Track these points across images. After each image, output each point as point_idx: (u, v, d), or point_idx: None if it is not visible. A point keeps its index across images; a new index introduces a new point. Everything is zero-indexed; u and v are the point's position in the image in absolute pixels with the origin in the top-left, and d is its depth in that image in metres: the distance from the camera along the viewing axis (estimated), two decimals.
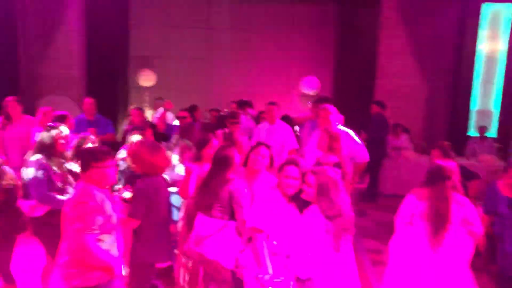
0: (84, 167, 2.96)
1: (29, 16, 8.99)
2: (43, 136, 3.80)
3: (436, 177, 3.55)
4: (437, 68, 9.37)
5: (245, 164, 3.83)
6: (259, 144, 3.96)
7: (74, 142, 4.18)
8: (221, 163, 3.47)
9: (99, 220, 2.83)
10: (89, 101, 6.49)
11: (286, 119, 6.49)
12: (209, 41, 10.28)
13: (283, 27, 10.29)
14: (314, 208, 3.09)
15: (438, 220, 3.41)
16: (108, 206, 2.92)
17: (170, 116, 7.59)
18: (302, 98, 9.66)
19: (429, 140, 9.11)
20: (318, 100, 6.01)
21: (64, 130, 3.87)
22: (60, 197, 3.67)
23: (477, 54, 9.32)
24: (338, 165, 4.06)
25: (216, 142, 4.18)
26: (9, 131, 5.75)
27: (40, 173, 3.65)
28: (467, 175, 4.66)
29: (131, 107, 8.29)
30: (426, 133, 9.34)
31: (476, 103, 9.46)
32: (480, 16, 9.23)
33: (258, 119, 7.18)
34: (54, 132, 3.80)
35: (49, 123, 4.02)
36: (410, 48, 9.33)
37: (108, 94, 7.91)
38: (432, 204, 3.46)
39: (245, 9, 10.13)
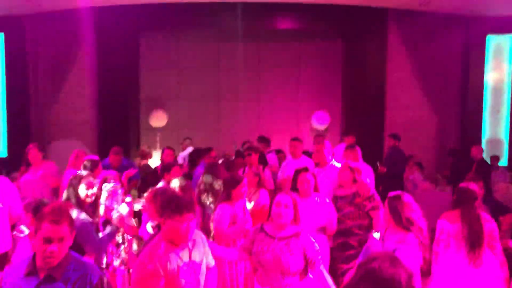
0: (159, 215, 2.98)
1: (40, 61, 9.13)
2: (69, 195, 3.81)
3: (464, 198, 3.86)
4: (445, 99, 9.48)
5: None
6: (302, 170, 4.24)
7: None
8: None
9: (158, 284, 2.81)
10: (114, 150, 6.39)
11: (306, 153, 6.56)
12: (218, 81, 10.40)
13: (291, 64, 10.45)
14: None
15: (475, 238, 3.69)
16: (176, 264, 2.84)
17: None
18: (313, 133, 9.69)
19: (442, 172, 9.10)
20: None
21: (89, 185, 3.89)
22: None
23: (483, 84, 9.47)
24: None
25: (245, 182, 4.22)
26: (27, 177, 5.72)
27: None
28: (499, 209, 4.70)
29: (143, 148, 8.33)
30: (438, 164, 9.33)
31: (485, 133, 9.51)
32: (485, 47, 9.43)
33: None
34: (81, 192, 3.81)
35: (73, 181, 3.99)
36: (417, 80, 9.47)
37: (119, 137, 7.94)
38: (465, 224, 3.74)
39: (254, 48, 10.30)
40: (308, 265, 3.21)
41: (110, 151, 6.45)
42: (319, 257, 3.23)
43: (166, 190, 4.16)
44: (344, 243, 4.42)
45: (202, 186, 4.66)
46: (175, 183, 4.43)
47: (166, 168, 5.11)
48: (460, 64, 9.56)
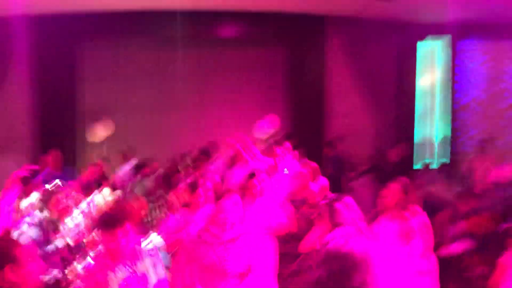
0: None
1: None
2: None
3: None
4: (382, 105, 9.89)
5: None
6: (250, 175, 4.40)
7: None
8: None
9: None
10: (53, 155, 6.31)
11: None
12: (161, 90, 10.30)
13: (234, 72, 10.51)
14: None
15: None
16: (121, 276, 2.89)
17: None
18: (257, 141, 9.81)
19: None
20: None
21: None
22: None
23: (416, 88, 9.95)
24: None
25: (203, 191, 4.27)
26: None
27: None
28: (433, 209, 4.98)
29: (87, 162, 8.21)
30: None
31: (419, 136, 10.00)
32: (417, 52, 9.91)
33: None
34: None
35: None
36: (355, 86, 9.84)
37: (62, 152, 7.70)
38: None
39: (195, 56, 10.28)
40: (249, 266, 3.38)
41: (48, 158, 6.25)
42: (260, 259, 3.43)
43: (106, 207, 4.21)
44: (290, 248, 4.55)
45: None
46: (105, 197, 4.43)
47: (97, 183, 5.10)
48: (394, 69, 10.00)
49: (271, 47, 10.58)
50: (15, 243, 2.17)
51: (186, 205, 4.31)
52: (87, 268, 2.98)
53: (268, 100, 10.56)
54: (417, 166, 9.60)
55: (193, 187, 4.28)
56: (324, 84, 9.73)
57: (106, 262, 2.88)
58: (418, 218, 4.06)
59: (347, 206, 3.41)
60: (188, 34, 9.45)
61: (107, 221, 2.87)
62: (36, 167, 5.31)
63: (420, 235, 4.03)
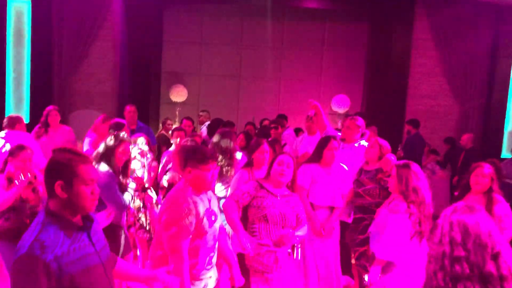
0: (183, 166, 2.91)
1: (66, 31, 9.19)
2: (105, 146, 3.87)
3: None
4: (470, 89, 9.27)
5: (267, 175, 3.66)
6: (331, 137, 4.20)
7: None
8: None
9: (192, 223, 2.79)
10: (130, 109, 6.39)
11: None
12: (239, 59, 10.38)
13: (314, 45, 10.34)
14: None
15: None
16: (202, 209, 2.87)
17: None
18: (332, 116, 9.62)
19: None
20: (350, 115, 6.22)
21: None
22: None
23: (511, 74, 9.24)
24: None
25: (267, 147, 4.24)
26: (45, 140, 5.83)
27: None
28: None
29: (163, 120, 8.45)
30: None
31: (508, 125, 9.32)
32: None
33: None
34: (119, 148, 3.87)
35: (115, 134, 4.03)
36: (441, 68, 9.29)
37: (139, 109, 7.97)
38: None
39: (277, 26, 10.22)
40: (297, 221, 3.50)
41: (124, 112, 6.43)
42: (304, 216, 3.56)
43: (192, 143, 4.30)
44: (361, 219, 4.40)
45: (210, 146, 4.61)
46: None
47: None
48: (488, 54, 9.31)
49: (357, 21, 10.24)
50: (83, 160, 2.02)
51: (248, 164, 4.31)
52: (173, 196, 2.94)
53: (349, 75, 10.30)
54: (506, 155, 8.95)
55: (254, 146, 4.30)
56: (408, 63, 9.29)
57: (186, 193, 2.88)
58: (501, 205, 3.85)
59: (417, 173, 3.34)
60: (273, 4, 9.40)
61: (202, 155, 2.89)
62: (122, 120, 5.52)
63: (504, 221, 3.80)
